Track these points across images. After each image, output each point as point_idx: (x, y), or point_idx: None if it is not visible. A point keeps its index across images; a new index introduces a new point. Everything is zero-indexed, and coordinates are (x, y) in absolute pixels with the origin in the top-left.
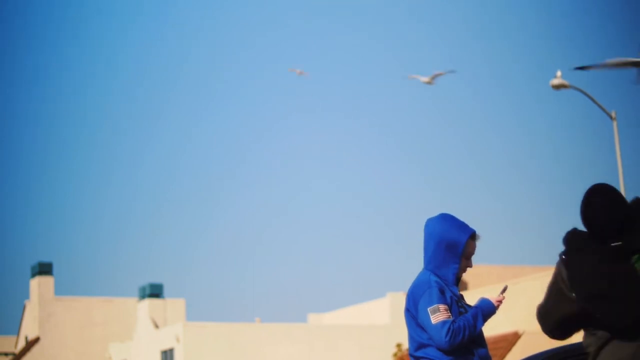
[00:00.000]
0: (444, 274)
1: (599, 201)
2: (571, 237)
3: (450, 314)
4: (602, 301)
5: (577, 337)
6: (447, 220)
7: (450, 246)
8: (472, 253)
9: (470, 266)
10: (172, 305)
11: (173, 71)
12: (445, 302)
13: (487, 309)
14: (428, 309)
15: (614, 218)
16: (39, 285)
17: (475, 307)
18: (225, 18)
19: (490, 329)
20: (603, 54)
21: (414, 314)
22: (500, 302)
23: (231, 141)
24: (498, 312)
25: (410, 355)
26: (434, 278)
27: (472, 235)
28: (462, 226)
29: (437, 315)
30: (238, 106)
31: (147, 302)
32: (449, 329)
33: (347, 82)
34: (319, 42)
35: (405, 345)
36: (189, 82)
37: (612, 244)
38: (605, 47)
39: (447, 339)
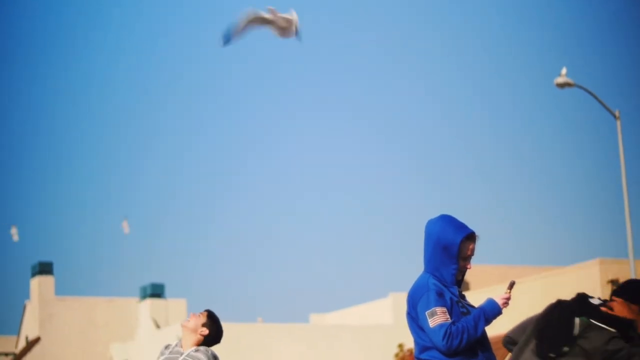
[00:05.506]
0: (443, 275)
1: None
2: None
3: (448, 317)
4: None
5: None
6: (445, 221)
7: (447, 247)
8: (470, 254)
9: (469, 267)
10: (173, 306)
11: (174, 73)
12: (443, 305)
13: (491, 310)
14: (426, 313)
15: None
16: (39, 285)
17: (479, 308)
18: (228, 20)
19: (490, 329)
20: (609, 52)
21: (414, 317)
22: (507, 299)
23: (233, 142)
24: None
25: (416, 357)
26: (432, 281)
27: (469, 236)
28: (459, 227)
29: (435, 318)
30: (241, 106)
31: (149, 302)
32: (446, 332)
33: (347, 82)
34: (319, 43)
35: (407, 345)
36: (191, 84)
37: None
38: (611, 44)
39: (444, 342)
